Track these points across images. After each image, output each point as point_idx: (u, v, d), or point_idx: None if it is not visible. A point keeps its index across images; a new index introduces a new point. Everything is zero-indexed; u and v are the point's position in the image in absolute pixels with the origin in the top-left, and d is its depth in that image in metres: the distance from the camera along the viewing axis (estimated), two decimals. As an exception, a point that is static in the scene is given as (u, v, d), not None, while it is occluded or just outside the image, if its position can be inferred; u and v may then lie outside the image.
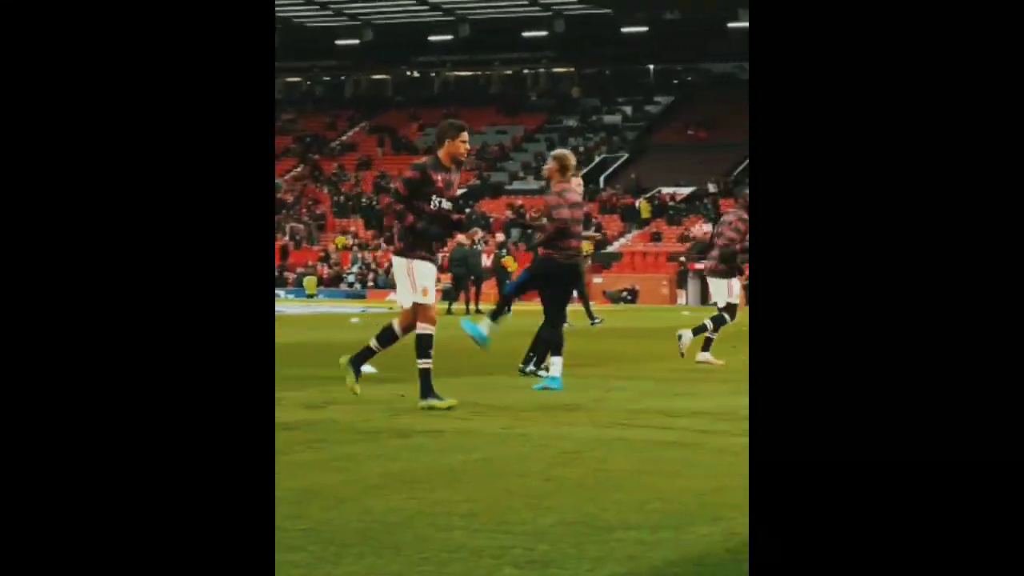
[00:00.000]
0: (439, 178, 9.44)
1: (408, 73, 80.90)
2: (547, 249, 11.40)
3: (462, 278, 34.66)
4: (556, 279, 11.47)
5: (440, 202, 9.43)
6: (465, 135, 9.58)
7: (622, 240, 60.55)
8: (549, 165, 11.60)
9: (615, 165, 66.93)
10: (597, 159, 68.01)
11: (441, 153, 9.55)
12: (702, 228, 59.03)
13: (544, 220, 11.72)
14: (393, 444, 7.14)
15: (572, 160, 11.64)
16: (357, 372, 9.67)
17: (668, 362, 14.77)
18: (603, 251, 57.12)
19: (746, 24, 61.51)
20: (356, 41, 71.87)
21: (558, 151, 11.88)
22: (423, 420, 8.40)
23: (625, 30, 67.03)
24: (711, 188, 62.72)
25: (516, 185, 68.49)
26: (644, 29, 66.35)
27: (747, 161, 63.59)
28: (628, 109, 72.90)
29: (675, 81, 75.66)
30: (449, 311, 33.73)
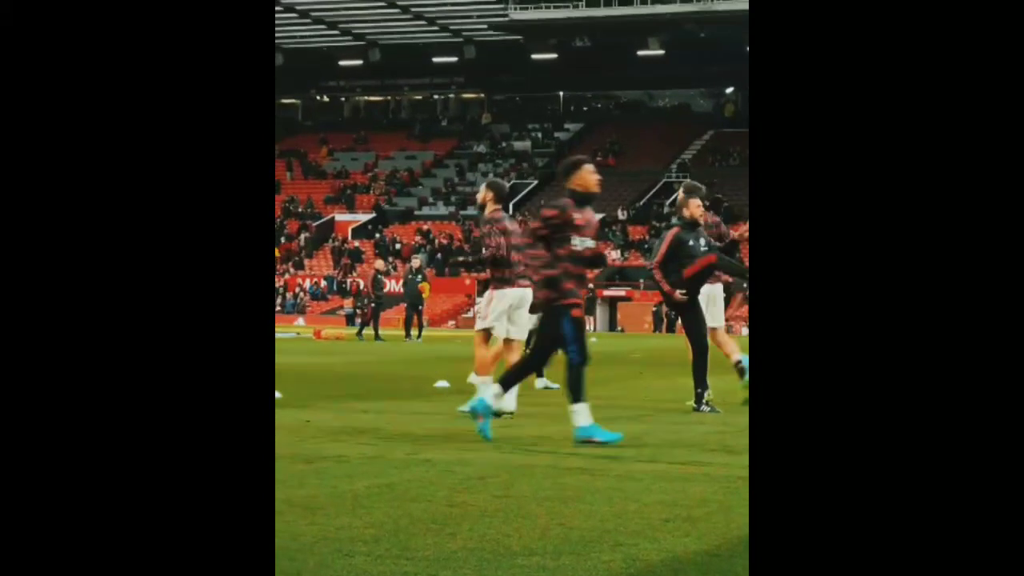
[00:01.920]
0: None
1: (317, 97, 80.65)
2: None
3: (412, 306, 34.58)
4: None
5: None
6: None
7: (531, 266, 60.75)
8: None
9: (524, 191, 67.16)
10: (507, 185, 68.25)
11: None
12: (610, 255, 59.37)
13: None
14: (297, 469, 7.11)
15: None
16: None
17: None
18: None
19: (656, 52, 62.13)
20: (265, 64, 71.36)
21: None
22: (328, 445, 8.37)
23: (535, 57, 67.36)
24: (620, 215, 63.14)
25: (425, 210, 68.45)
26: (554, 56, 66.70)
27: (656, 187, 64.19)
28: (538, 135, 73.21)
29: (584, 108, 76.17)
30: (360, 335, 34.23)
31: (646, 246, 60.02)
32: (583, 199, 8.97)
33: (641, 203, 64.16)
